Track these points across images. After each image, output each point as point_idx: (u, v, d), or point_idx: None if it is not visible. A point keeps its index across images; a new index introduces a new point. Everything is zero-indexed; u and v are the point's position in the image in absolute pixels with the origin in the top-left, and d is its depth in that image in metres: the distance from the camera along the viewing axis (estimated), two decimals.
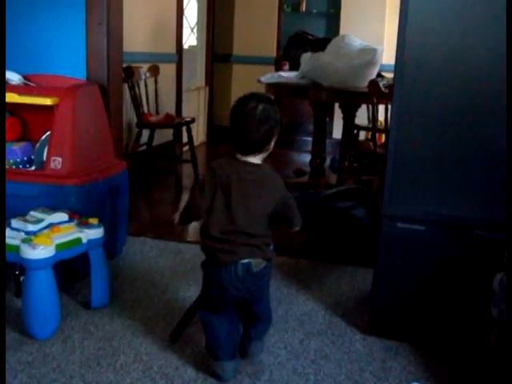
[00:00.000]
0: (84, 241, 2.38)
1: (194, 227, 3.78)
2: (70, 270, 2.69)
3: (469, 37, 2.13)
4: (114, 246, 3.04)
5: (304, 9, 6.56)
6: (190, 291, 2.78)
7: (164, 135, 5.38)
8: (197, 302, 2.38)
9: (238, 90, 6.71)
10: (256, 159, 1.98)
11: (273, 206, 2.00)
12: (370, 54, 3.98)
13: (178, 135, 5.10)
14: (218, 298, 2.06)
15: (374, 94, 3.70)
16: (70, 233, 2.35)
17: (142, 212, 4.08)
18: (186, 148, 5.32)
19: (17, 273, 2.50)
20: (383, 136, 5.78)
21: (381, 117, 5.35)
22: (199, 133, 6.64)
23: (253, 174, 1.97)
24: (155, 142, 5.00)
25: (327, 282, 2.99)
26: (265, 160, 2.04)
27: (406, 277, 2.38)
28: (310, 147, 5.35)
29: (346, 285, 2.97)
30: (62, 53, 3.04)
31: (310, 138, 5.54)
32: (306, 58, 4.29)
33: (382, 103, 4.83)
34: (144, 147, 4.83)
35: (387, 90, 3.65)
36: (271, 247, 2.10)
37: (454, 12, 2.15)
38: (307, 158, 5.27)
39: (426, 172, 2.27)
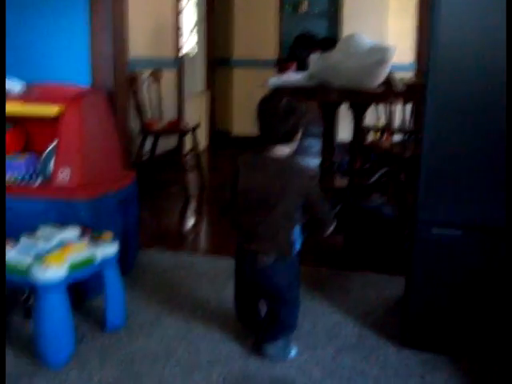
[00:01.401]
0: (98, 259, 2.23)
1: (204, 239, 3.65)
2: (82, 287, 2.53)
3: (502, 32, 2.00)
4: (126, 262, 2.87)
5: (305, 9, 6.42)
6: (210, 308, 2.62)
7: (167, 142, 5.23)
8: None
9: (239, 94, 6.59)
10: (285, 149, 2.07)
11: (297, 201, 2.05)
12: (381, 53, 3.82)
13: (181, 142, 4.95)
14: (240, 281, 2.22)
15: (388, 93, 3.55)
16: (83, 251, 2.20)
17: (151, 223, 3.91)
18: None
19: (26, 294, 2.34)
20: (391, 136, 5.67)
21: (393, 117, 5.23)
22: (201, 139, 6.48)
23: (279, 164, 2.05)
24: (158, 150, 4.85)
25: (352, 292, 2.84)
26: None
27: (441, 285, 2.24)
28: (313, 150, 5.21)
29: (371, 294, 2.83)
30: (66, 59, 2.89)
31: (311, 141, 5.39)
32: (315, 58, 4.13)
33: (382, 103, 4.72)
34: (147, 155, 4.68)
35: (402, 89, 3.51)
36: (296, 244, 2.12)
37: (487, 7, 2.01)
38: (312, 161, 5.13)
39: (462, 174, 2.14)
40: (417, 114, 3.59)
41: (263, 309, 2.26)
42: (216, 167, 5.88)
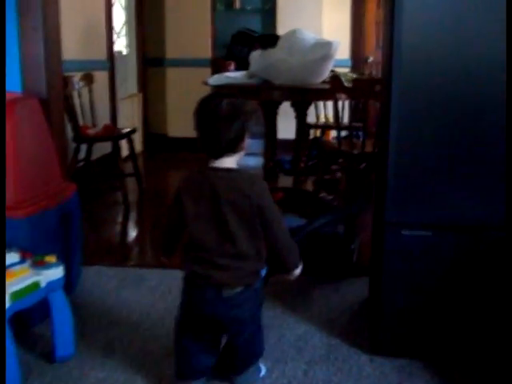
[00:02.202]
0: (43, 284, 2.01)
1: (150, 251, 3.45)
2: (25, 313, 2.28)
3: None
4: (69, 281, 2.63)
5: (238, 6, 6.27)
6: (165, 326, 2.43)
7: (101, 148, 4.97)
8: None
9: (173, 95, 6.38)
10: (230, 162, 1.79)
11: (252, 218, 1.78)
12: (324, 48, 3.74)
13: (116, 148, 4.70)
14: (191, 318, 1.90)
15: (336, 89, 3.46)
16: (26, 277, 1.97)
17: (91, 236, 3.65)
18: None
19: None
20: (331, 133, 5.63)
21: (329, 113, 5.17)
22: (135, 142, 6.23)
23: (224, 179, 1.78)
24: (93, 156, 4.59)
25: (313, 299, 2.71)
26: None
27: (413, 288, 2.14)
28: (253, 149, 5.06)
29: (333, 299, 2.71)
30: None
31: (249, 140, 5.26)
32: (256, 55, 4.01)
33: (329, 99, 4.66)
34: (82, 163, 4.41)
35: (351, 85, 3.42)
36: (261, 270, 1.88)
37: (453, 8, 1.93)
38: (252, 161, 4.99)
39: (430, 174, 2.05)
40: (363, 110, 3.51)
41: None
42: (153, 171, 5.66)
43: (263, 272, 1.88)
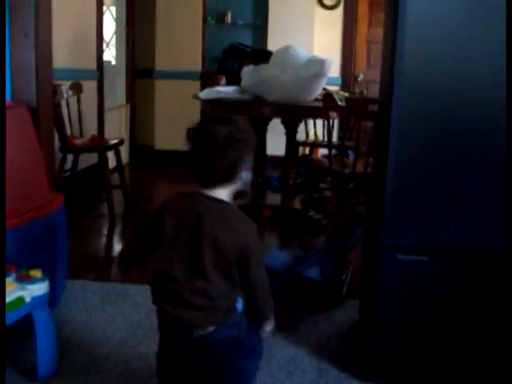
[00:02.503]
0: (27, 299, 1.94)
1: (139, 263, 3.36)
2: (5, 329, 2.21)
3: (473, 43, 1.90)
4: (53, 296, 2.56)
5: (229, 20, 6.25)
6: (152, 345, 2.34)
7: (88, 159, 4.90)
8: None
9: (161, 107, 6.33)
10: (222, 193, 1.64)
11: (232, 257, 1.59)
12: (318, 66, 3.71)
13: (103, 159, 4.63)
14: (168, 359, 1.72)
15: (329, 107, 3.43)
16: (10, 291, 1.90)
17: (75, 249, 3.56)
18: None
19: None
20: (319, 150, 5.61)
21: (318, 131, 5.15)
22: (122, 154, 6.16)
23: (213, 210, 1.61)
24: (78, 167, 4.52)
25: (302, 321, 2.65)
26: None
27: (407, 313, 2.10)
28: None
29: (322, 322, 2.66)
30: None
31: None
32: (248, 71, 3.97)
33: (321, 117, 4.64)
34: (68, 174, 4.34)
35: (344, 104, 3.40)
36: (236, 305, 1.66)
37: (456, 17, 1.91)
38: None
39: (428, 198, 2.02)
40: (357, 129, 3.48)
41: None
42: (139, 183, 5.59)
43: (239, 306, 1.67)
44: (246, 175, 1.64)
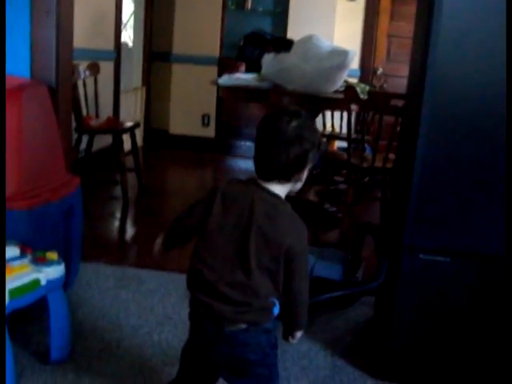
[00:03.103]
0: (43, 282, 1.91)
1: (149, 251, 3.33)
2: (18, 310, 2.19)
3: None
4: (67, 278, 2.53)
5: (249, 7, 6.17)
6: (165, 332, 2.35)
7: (102, 141, 4.87)
8: None
9: (177, 92, 6.28)
10: (280, 190, 1.54)
11: (278, 256, 1.50)
12: (341, 57, 3.65)
13: (119, 141, 4.59)
14: (192, 351, 1.64)
15: (351, 100, 3.38)
16: (26, 273, 1.87)
17: (88, 231, 3.53)
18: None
19: None
20: (335, 143, 5.55)
21: (335, 123, 5.10)
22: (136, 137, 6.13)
23: (267, 204, 1.51)
24: (93, 149, 4.49)
25: (316, 316, 2.62)
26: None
27: (426, 314, 2.07)
28: (252, 153, 4.96)
29: (337, 317, 2.62)
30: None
31: (251, 143, 5.14)
32: (269, 59, 3.92)
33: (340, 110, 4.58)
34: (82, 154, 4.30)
35: (366, 97, 3.35)
36: (273, 308, 1.58)
37: (491, 12, 1.85)
38: (249, 164, 4.90)
39: (453, 198, 1.98)
40: (378, 123, 3.42)
41: None
42: (152, 167, 5.55)
43: (276, 311, 1.58)
44: (305, 176, 1.56)
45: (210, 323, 1.54)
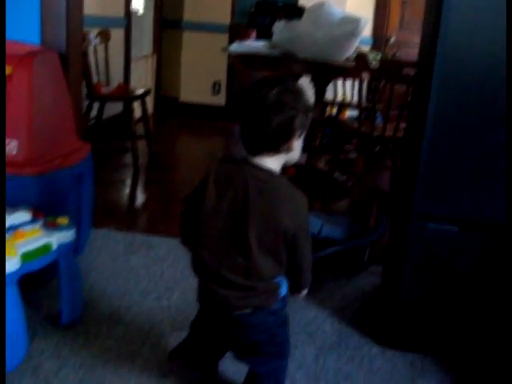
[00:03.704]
0: (54, 247, 1.94)
1: (160, 217, 3.37)
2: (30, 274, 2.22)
3: None
4: (77, 244, 2.56)
5: None
6: (174, 297, 2.38)
7: (113, 108, 4.88)
8: None
9: (188, 59, 6.25)
10: (270, 163, 1.51)
11: (282, 237, 1.50)
12: (352, 25, 3.61)
13: (129, 108, 4.60)
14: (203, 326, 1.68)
15: (362, 68, 3.35)
16: (37, 238, 1.90)
17: (99, 198, 3.55)
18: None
19: None
20: (346, 111, 5.52)
21: (346, 92, 5.06)
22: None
23: (261, 182, 1.49)
24: (104, 116, 4.49)
25: (324, 283, 2.64)
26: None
27: (433, 282, 2.08)
28: None
29: (344, 285, 2.65)
30: (12, 13, 2.48)
31: None
32: (280, 26, 3.88)
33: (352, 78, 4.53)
34: (93, 121, 4.32)
35: (377, 66, 3.32)
36: (279, 290, 1.60)
37: None
38: None
39: (463, 168, 1.96)
40: (390, 92, 3.40)
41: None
42: (162, 135, 5.55)
43: (283, 291, 1.61)
44: (298, 145, 1.52)
45: (216, 308, 1.55)
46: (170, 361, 1.88)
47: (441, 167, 1.97)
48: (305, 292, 1.69)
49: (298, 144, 1.52)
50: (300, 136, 1.52)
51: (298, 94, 1.51)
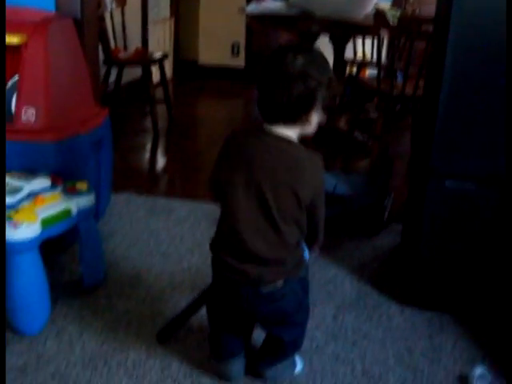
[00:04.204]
0: (74, 212, 1.97)
1: (180, 181, 3.39)
2: (52, 239, 2.27)
3: None
4: (98, 209, 2.60)
5: None
6: (194, 258, 2.41)
7: (131, 73, 4.86)
8: (197, 300, 1.94)
9: (206, 21, 6.18)
10: (286, 132, 1.49)
11: (305, 203, 1.50)
12: None
13: (147, 72, 4.59)
14: (223, 309, 1.65)
15: (380, 26, 3.29)
16: (57, 203, 1.93)
17: (119, 163, 3.58)
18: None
19: None
20: (367, 70, 5.43)
21: (366, 51, 4.98)
22: (165, 68, 6.10)
23: (282, 152, 1.48)
24: (122, 81, 4.50)
25: (343, 242, 2.65)
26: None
27: (451, 240, 2.07)
28: None
29: (364, 244, 2.65)
30: None
31: None
32: None
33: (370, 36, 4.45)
34: (111, 87, 4.33)
35: (396, 23, 3.25)
36: (304, 256, 1.62)
37: None
38: None
39: (480, 125, 1.93)
40: (408, 50, 3.34)
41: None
42: (182, 99, 5.54)
43: (307, 255, 1.64)
44: (315, 119, 1.50)
45: (246, 287, 1.52)
46: (159, 342, 1.85)
47: (457, 124, 1.94)
48: (317, 249, 1.71)
49: (315, 117, 1.51)
50: (319, 109, 1.50)
51: (323, 65, 1.49)
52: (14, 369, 1.72)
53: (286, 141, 1.49)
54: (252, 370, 1.75)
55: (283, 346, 1.68)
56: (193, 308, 1.93)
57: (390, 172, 2.73)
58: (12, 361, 1.75)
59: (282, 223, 1.48)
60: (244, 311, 1.58)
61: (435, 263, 2.10)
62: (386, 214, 2.78)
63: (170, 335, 1.88)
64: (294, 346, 1.72)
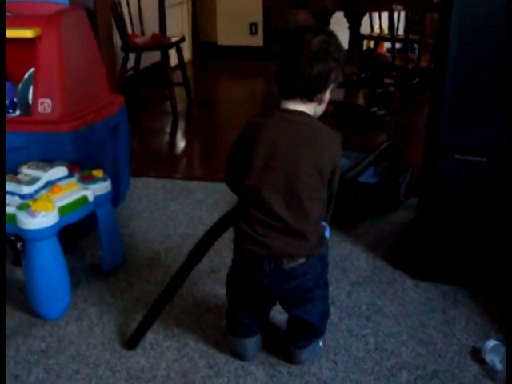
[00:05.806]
0: (91, 199, 2.03)
1: (198, 163, 3.43)
2: (72, 226, 2.34)
3: None
4: (118, 194, 2.67)
5: None
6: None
7: (150, 57, 4.91)
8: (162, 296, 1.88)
9: (223, 2, 6.18)
10: (304, 109, 1.54)
11: (327, 176, 1.54)
12: None
13: (165, 56, 4.63)
14: (243, 286, 1.68)
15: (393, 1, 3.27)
16: (74, 191, 1.99)
17: (138, 147, 3.65)
18: None
19: (12, 238, 2.15)
20: (385, 44, 5.40)
21: (383, 24, 4.93)
22: (184, 51, 6.12)
23: (301, 125, 1.53)
24: (141, 66, 4.55)
25: (359, 219, 2.67)
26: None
27: (464, 214, 2.08)
28: None
29: (380, 220, 2.67)
30: None
31: None
32: None
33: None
34: (131, 72, 4.38)
35: None
36: (326, 237, 1.63)
37: None
38: None
39: (489, 97, 1.92)
40: (420, 22, 3.31)
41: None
42: (202, 80, 5.58)
43: (327, 233, 1.64)
44: (326, 99, 1.55)
45: (268, 262, 1.54)
46: (129, 349, 1.82)
47: (466, 97, 1.94)
48: (327, 224, 1.70)
49: (327, 97, 1.56)
50: (330, 89, 1.55)
51: (340, 47, 1.54)
52: (35, 352, 1.79)
53: (304, 113, 1.54)
54: (288, 358, 1.77)
55: (311, 327, 1.70)
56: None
57: (397, 157, 2.71)
58: (35, 344, 1.82)
59: (305, 198, 1.52)
60: (265, 287, 1.60)
61: (449, 237, 2.11)
62: (402, 190, 2.78)
63: (139, 340, 1.84)
64: (320, 323, 1.73)
